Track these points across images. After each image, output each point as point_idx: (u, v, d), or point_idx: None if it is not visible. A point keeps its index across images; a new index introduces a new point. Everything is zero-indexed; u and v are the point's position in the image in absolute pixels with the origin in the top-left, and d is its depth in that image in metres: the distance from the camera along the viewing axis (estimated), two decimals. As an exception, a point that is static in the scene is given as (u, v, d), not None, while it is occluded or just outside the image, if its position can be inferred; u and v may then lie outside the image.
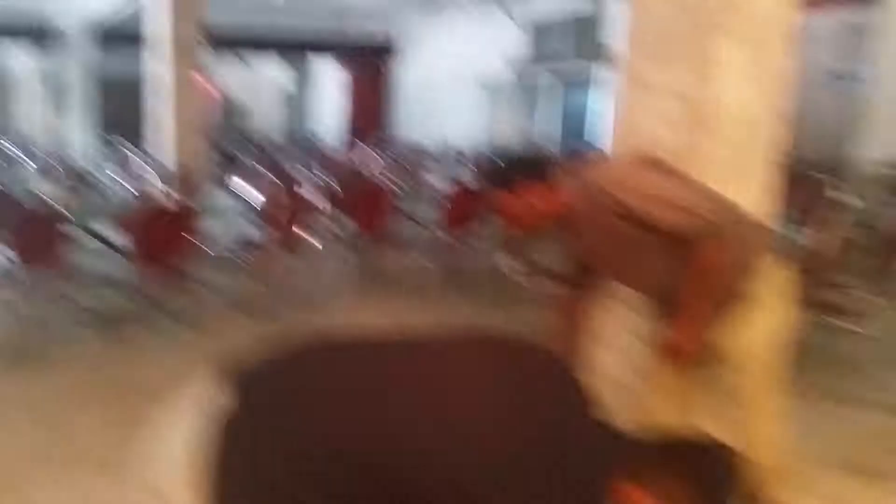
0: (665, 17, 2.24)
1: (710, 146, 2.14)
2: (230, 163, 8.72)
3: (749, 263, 1.90)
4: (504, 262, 4.76)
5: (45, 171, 8.04)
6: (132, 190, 6.50)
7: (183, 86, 7.70)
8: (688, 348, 1.86)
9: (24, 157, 9.63)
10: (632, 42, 2.37)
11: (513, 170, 2.02)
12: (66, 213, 3.91)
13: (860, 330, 3.24)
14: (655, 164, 1.97)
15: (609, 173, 1.96)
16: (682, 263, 1.83)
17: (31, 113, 15.75)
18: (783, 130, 2.32)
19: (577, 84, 12.45)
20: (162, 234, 3.99)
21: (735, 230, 1.84)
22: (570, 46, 12.47)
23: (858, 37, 9.64)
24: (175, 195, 5.67)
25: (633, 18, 2.36)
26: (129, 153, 9.40)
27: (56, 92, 13.94)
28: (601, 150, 10.93)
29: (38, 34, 12.41)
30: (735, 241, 1.83)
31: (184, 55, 7.68)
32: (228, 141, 12.06)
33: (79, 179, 6.54)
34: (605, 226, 1.88)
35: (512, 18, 12.69)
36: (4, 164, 9.13)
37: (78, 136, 12.56)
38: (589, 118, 11.90)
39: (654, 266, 1.90)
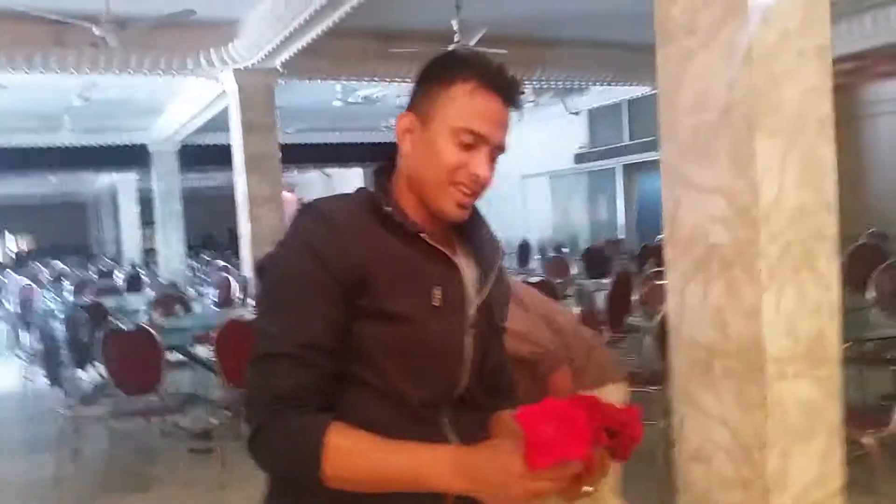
0: (697, 118, 2.29)
1: (760, 242, 2.13)
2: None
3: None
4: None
5: (138, 288, 8.50)
6: (217, 305, 6.80)
7: (262, 201, 8.10)
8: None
9: (119, 276, 10.25)
10: (667, 142, 2.42)
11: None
12: (157, 335, 4.10)
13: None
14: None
15: None
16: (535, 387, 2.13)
17: (128, 232, 16.85)
18: (839, 220, 2.28)
19: (640, 169, 12.47)
20: (247, 348, 4.14)
21: (583, 358, 2.26)
22: (627, 131, 12.56)
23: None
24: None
25: (665, 119, 2.41)
26: (216, 267, 9.84)
27: (148, 210, 14.88)
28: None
29: (135, 157, 13.40)
30: (583, 369, 2.23)
31: (261, 171, 8.10)
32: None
33: (170, 297, 6.88)
34: None
35: (573, 112, 12.93)
36: (99, 283, 9.68)
37: (169, 252, 13.29)
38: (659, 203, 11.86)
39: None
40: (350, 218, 1.05)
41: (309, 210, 1.08)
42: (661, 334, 3.01)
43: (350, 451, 0.97)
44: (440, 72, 1.08)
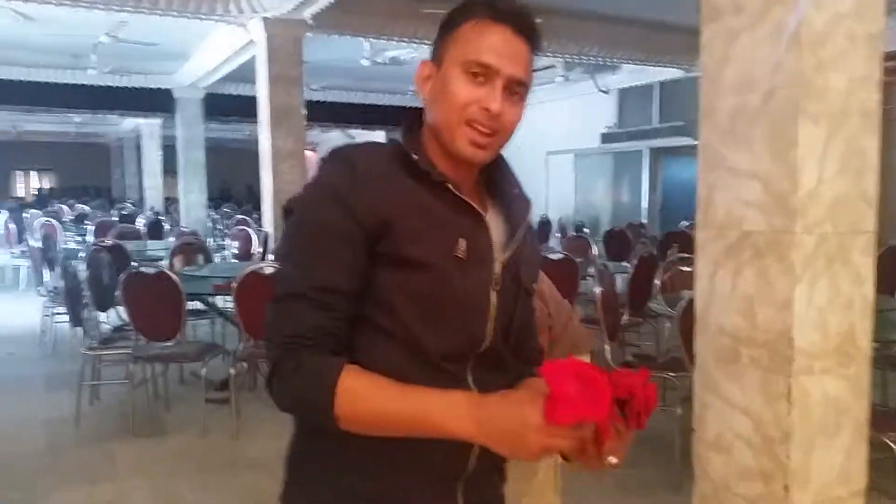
0: (739, 101, 2.24)
1: (795, 231, 2.10)
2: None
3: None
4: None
5: (159, 235, 8.55)
6: (237, 258, 6.84)
7: (285, 156, 8.09)
8: None
9: (140, 221, 10.31)
10: (706, 122, 2.37)
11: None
12: (178, 282, 4.13)
13: None
14: None
15: None
16: None
17: (149, 178, 16.92)
18: (873, 214, 2.24)
19: (667, 153, 12.33)
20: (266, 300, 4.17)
21: (560, 327, 2.33)
22: (657, 114, 12.38)
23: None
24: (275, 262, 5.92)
25: (706, 99, 2.36)
26: (237, 221, 9.88)
27: (170, 157, 14.93)
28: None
29: (158, 103, 13.40)
30: (559, 337, 2.31)
31: (286, 126, 8.07)
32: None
33: (191, 246, 6.92)
34: None
35: (603, 90, 12.77)
36: (121, 226, 9.76)
37: (190, 201, 13.35)
38: (684, 190, 11.72)
39: None
40: (377, 165, 1.05)
41: (336, 156, 1.07)
42: (685, 321, 2.99)
43: (362, 393, 0.97)
44: (453, 15, 1.08)
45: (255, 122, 8.38)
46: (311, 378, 0.98)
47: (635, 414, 0.90)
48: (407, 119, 1.13)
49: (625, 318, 4.67)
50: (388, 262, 1.02)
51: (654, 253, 5.77)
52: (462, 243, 1.05)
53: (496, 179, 1.16)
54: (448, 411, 0.94)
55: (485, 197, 1.14)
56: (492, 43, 1.03)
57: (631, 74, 11.87)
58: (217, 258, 7.16)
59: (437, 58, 1.08)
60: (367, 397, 0.97)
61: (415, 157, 1.06)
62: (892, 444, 2.54)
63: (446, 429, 0.94)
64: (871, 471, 2.22)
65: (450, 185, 1.05)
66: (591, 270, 5.47)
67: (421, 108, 1.12)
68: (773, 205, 2.17)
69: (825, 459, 2.15)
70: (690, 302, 3.01)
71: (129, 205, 17.39)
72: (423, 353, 1.04)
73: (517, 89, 1.05)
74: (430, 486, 1.07)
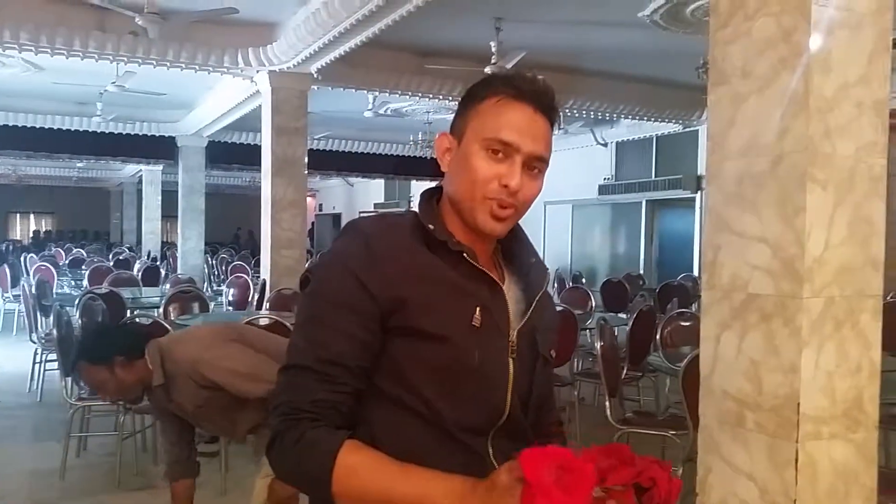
0: (746, 165, 2.24)
1: (800, 294, 2.07)
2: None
3: None
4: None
5: (155, 282, 8.49)
6: (233, 305, 6.78)
7: (285, 205, 8.11)
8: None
9: (137, 267, 10.24)
10: (712, 184, 2.37)
11: (106, 342, 2.24)
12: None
13: None
14: (233, 336, 2.26)
15: (191, 348, 2.21)
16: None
17: (151, 223, 16.92)
18: (880, 278, 2.23)
19: (663, 205, 12.41)
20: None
21: None
22: (652, 166, 12.50)
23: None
24: (275, 315, 5.87)
25: (712, 162, 2.37)
26: (234, 267, 9.84)
27: (169, 202, 14.98)
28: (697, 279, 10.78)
29: (161, 150, 13.50)
30: None
31: (288, 174, 8.13)
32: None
33: (187, 294, 6.86)
34: (195, 393, 2.20)
35: (602, 143, 12.93)
36: (116, 272, 9.71)
37: (188, 247, 13.34)
38: (682, 241, 11.75)
39: (248, 419, 2.26)
40: (392, 239, 1.05)
41: (352, 230, 1.08)
42: (688, 379, 2.94)
43: (361, 472, 0.96)
44: (475, 90, 1.09)
45: (257, 169, 8.40)
46: (311, 452, 0.97)
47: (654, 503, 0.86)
48: (427, 190, 1.15)
49: (624, 372, 4.61)
50: (403, 335, 1.02)
51: (652, 306, 5.73)
52: (478, 312, 1.04)
53: (514, 249, 1.16)
54: (445, 499, 0.93)
55: (501, 265, 1.14)
56: (512, 120, 1.04)
57: (629, 128, 12.00)
58: (213, 306, 7.09)
59: (457, 131, 1.09)
60: (365, 476, 0.96)
61: (431, 227, 1.06)
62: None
63: None
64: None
65: (466, 255, 1.05)
66: (590, 322, 5.43)
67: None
68: (780, 268, 2.15)
69: (835, 530, 2.09)
70: (693, 359, 2.96)
71: (126, 249, 17.34)
72: (442, 426, 1.03)
73: (536, 164, 1.06)
74: None
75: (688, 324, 5.00)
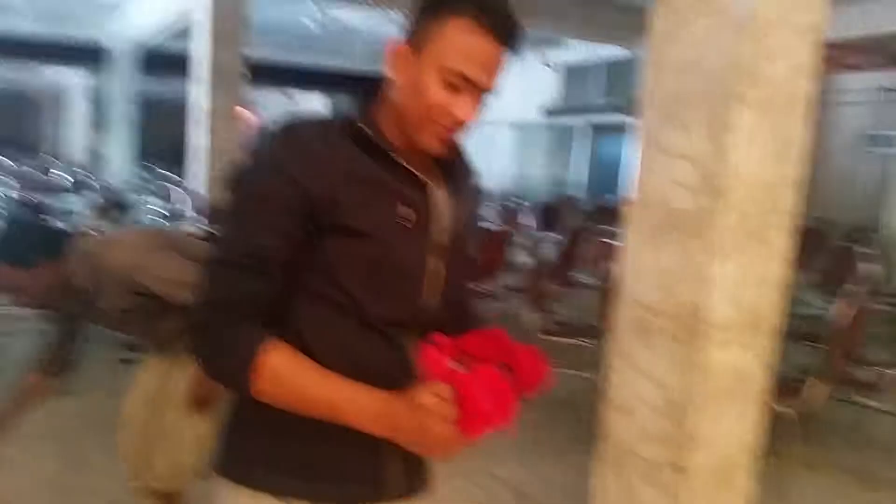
0: (680, 81, 2.27)
1: (721, 212, 2.15)
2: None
3: None
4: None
5: (83, 193, 8.22)
6: (165, 217, 6.63)
7: (221, 115, 7.86)
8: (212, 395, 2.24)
9: (65, 177, 9.86)
10: (647, 102, 2.40)
11: (26, 244, 2.14)
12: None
13: (887, 408, 3.17)
14: (166, 243, 2.22)
15: (125, 254, 2.15)
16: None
17: (77, 132, 16.21)
18: (800, 198, 2.32)
19: (608, 130, 12.52)
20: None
21: None
22: (602, 92, 12.53)
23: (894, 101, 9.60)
24: (205, 226, 5.77)
25: (649, 79, 2.39)
26: (167, 179, 9.58)
27: (100, 112, 14.34)
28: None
29: (88, 54, 12.80)
30: None
31: (225, 84, 7.85)
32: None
33: (116, 205, 6.67)
34: (123, 300, 2.15)
35: (548, 65, 12.81)
36: (45, 181, 9.35)
37: (118, 158, 12.85)
38: (621, 167, 11.92)
39: (171, 325, 2.23)
40: (322, 138, 1.04)
41: (283, 128, 1.06)
42: (605, 291, 3.04)
43: (280, 373, 0.98)
44: (438, 5, 1.04)
45: (192, 79, 8.08)
46: (233, 350, 0.99)
47: (522, 384, 0.94)
48: (361, 88, 1.12)
49: (551, 287, 4.72)
50: (332, 232, 1.02)
51: (585, 226, 5.85)
52: (405, 211, 1.06)
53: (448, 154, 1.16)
54: (359, 414, 0.97)
55: (430, 163, 1.13)
56: (476, 54, 1.02)
57: (577, 51, 11.92)
58: (146, 218, 6.92)
59: (414, 42, 1.05)
60: (285, 380, 0.99)
61: (360, 125, 1.06)
62: (784, 412, 2.68)
63: (356, 427, 0.98)
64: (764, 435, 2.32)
65: (395, 155, 1.06)
66: (522, 240, 5.51)
67: (377, 81, 1.10)
68: (700, 184, 2.20)
69: (726, 426, 2.23)
70: (611, 274, 3.05)
71: (54, 159, 16.61)
72: (367, 320, 1.05)
73: (486, 95, 1.06)
74: (360, 451, 1.08)
75: (615, 242, 5.14)
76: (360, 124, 1.06)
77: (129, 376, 3.14)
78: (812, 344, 3.51)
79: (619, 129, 11.86)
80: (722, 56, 2.16)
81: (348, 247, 1.03)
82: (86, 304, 2.21)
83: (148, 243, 2.20)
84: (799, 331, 3.38)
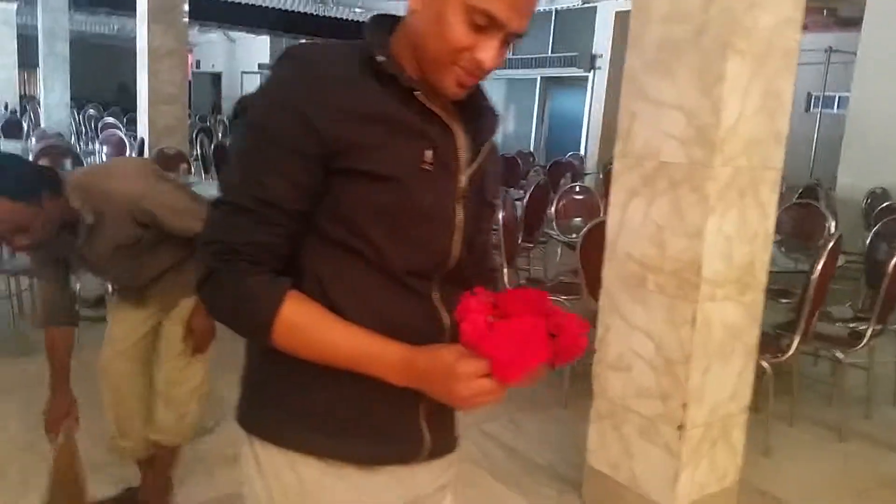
0: (669, 31, 2.24)
1: (711, 163, 2.15)
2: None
3: None
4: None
5: (17, 135, 7.78)
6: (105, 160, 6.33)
7: (164, 52, 7.49)
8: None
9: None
10: (634, 53, 2.36)
11: (29, 179, 1.92)
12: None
13: (855, 361, 3.29)
14: (159, 173, 2.14)
15: (129, 183, 2.03)
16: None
17: (6, 71, 15.19)
18: (782, 151, 2.34)
19: (557, 84, 12.46)
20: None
21: None
22: (552, 44, 12.41)
23: (841, 62, 9.85)
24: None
25: (636, 29, 2.35)
26: (107, 124, 9.14)
27: (28, 50, 13.50)
28: (583, 156, 11.03)
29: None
30: None
31: (167, 20, 7.47)
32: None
33: (57, 149, 6.31)
34: (124, 233, 2.03)
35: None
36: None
37: (52, 100, 12.16)
38: (572, 120, 11.93)
39: (157, 264, 2.17)
40: (337, 69, 0.95)
41: (294, 56, 0.97)
42: (586, 248, 3.04)
43: (302, 326, 0.95)
44: None
45: (130, 15, 7.64)
46: (252, 298, 0.94)
47: (561, 353, 0.90)
48: (377, 15, 1.04)
49: (520, 244, 4.73)
50: (350, 177, 0.95)
51: (546, 181, 5.84)
52: (429, 154, 0.98)
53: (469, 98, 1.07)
54: (381, 368, 0.94)
55: (452, 108, 1.05)
56: None
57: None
58: (88, 164, 6.58)
59: None
60: (308, 332, 0.95)
61: (381, 58, 0.96)
62: (766, 366, 2.76)
63: (377, 376, 0.95)
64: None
65: (418, 93, 0.97)
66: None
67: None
68: (693, 137, 2.19)
69: (719, 380, 2.27)
70: (592, 228, 3.05)
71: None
72: (389, 270, 0.99)
73: (513, 39, 0.96)
74: (393, 406, 1.03)
75: (581, 197, 5.15)
76: (375, 53, 0.96)
77: (94, 333, 3.02)
78: (781, 300, 3.63)
79: (566, 83, 11.83)
80: (709, 4, 2.13)
81: (369, 193, 0.96)
82: (72, 244, 2.07)
83: (147, 172, 2.08)
84: (775, 288, 3.47)
